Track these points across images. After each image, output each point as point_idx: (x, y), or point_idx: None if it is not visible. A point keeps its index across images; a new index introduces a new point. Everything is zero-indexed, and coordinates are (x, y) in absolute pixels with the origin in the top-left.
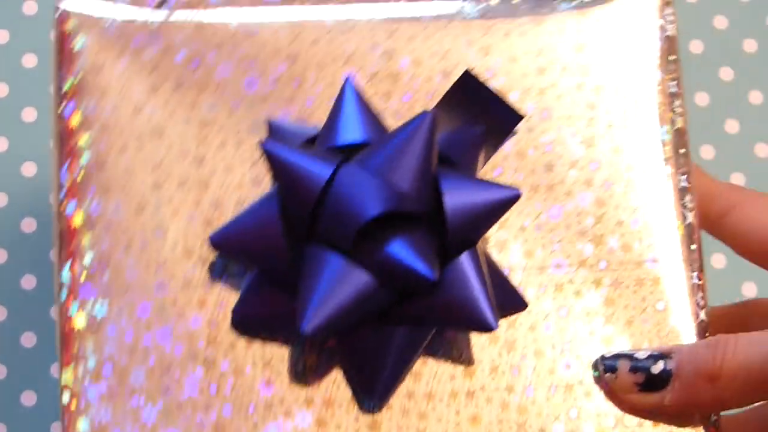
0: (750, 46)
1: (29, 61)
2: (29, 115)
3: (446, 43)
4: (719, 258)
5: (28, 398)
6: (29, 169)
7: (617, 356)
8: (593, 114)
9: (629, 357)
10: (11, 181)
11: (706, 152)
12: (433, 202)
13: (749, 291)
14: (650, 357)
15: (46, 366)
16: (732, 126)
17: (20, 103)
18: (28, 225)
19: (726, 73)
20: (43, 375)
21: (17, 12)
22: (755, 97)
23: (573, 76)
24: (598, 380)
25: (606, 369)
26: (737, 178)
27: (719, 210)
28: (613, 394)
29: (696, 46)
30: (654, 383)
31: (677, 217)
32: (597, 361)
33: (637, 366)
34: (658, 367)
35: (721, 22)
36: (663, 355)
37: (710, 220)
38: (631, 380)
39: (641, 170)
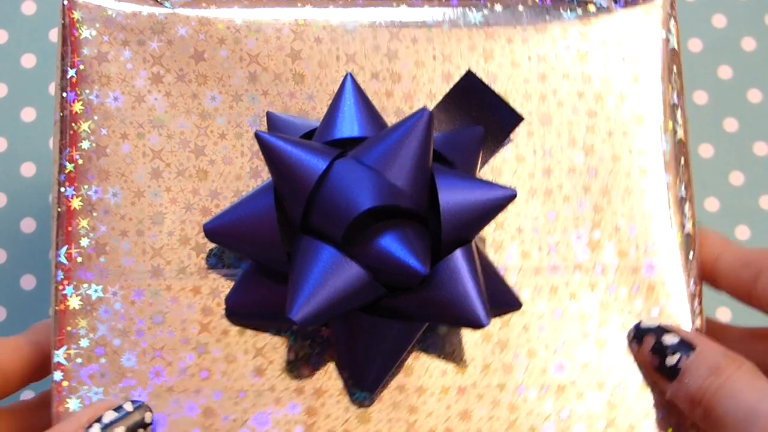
0: (748, 44)
1: (28, 61)
2: (28, 115)
3: (448, 47)
4: None
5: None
6: (29, 169)
7: (647, 330)
8: (593, 122)
9: (657, 336)
10: (11, 181)
11: (705, 151)
12: (429, 199)
13: None
14: (671, 347)
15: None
16: (731, 124)
17: (19, 103)
18: (28, 225)
19: (724, 72)
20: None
21: (16, 12)
22: (754, 95)
23: (574, 84)
24: (629, 342)
25: (636, 337)
26: (736, 177)
27: (751, 276)
28: (637, 360)
29: (695, 45)
30: (665, 372)
31: (675, 225)
32: (634, 326)
33: (657, 349)
34: (672, 360)
35: (719, 20)
36: (686, 346)
37: (743, 289)
38: (649, 358)
39: (640, 179)
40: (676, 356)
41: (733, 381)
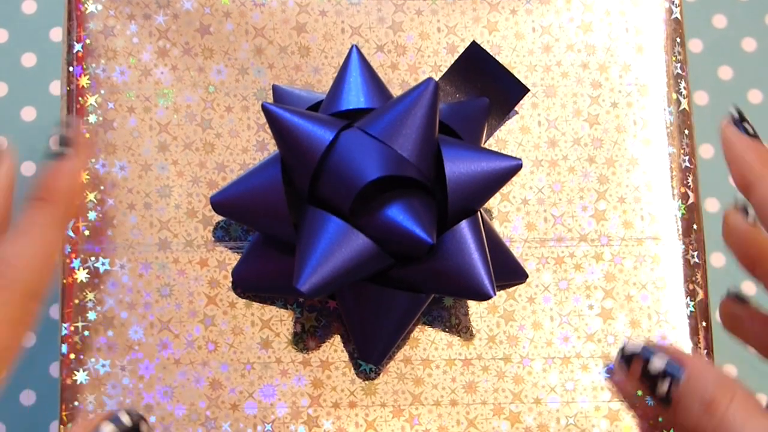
0: (749, 45)
1: (29, 60)
2: (29, 114)
3: (453, 19)
4: (719, 257)
5: (28, 397)
6: (29, 168)
7: (633, 355)
8: (597, 93)
9: (644, 360)
10: None
11: (705, 151)
12: (435, 169)
13: (749, 290)
14: (660, 372)
15: (45, 365)
16: None
17: (20, 102)
18: None
19: (725, 72)
20: (42, 374)
21: (17, 11)
22: (754, 95)
23: (578, 55)
24: (617, 365)
25: (622, 362)
26: None
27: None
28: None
29: (695, 45)
30: (657, 399)
31: (680, 196)
32: (619, 350)
33: (646, 375)
34: (662, 389)
35: (720, 21)
36: (675, 368)
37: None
38: (639, 384)
39: (644, 149)
40: (666, 383)
41: (731, 418)
